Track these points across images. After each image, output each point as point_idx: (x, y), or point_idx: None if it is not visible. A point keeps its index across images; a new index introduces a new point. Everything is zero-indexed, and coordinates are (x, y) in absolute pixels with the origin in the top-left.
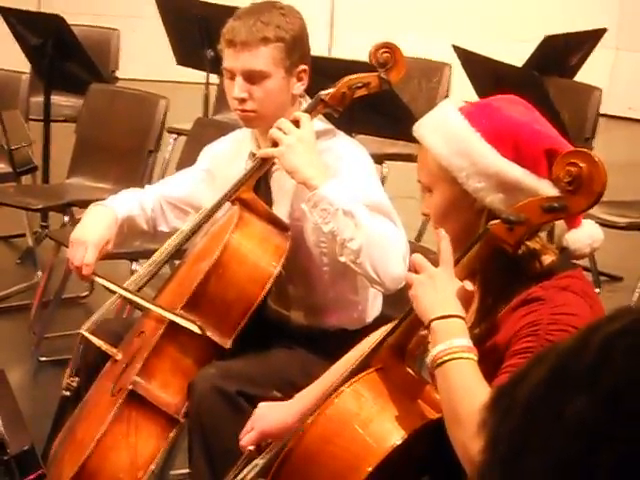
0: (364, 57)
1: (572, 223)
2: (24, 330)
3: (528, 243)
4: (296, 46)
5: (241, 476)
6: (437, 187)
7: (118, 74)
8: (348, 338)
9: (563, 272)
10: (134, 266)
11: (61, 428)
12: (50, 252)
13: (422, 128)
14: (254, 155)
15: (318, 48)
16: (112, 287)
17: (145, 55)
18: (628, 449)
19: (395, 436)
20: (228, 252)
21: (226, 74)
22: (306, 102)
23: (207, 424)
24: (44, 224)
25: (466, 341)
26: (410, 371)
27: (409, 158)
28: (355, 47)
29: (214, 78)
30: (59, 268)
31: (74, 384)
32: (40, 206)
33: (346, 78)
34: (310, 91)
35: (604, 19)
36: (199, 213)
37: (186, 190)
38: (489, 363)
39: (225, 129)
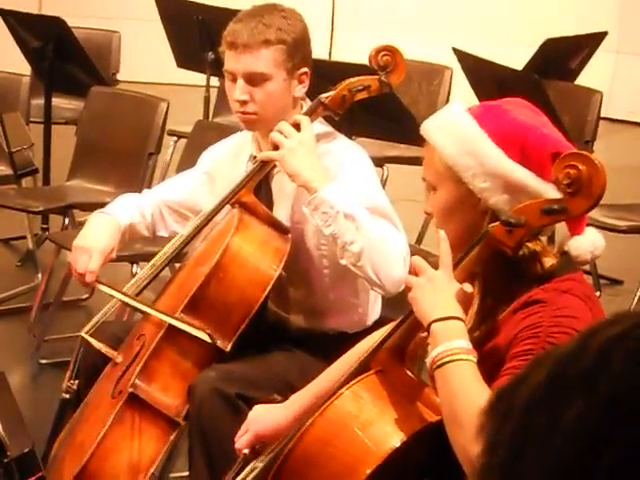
0: (365, 60)
1: (575, 230)
2: (24, 332)
3: (529, 245)
4: (297, 48)
5: (239, 479)
6: (442, 186)
7: (119, 77)
8: (348, 341)
9: (564, 275)
10: (135, 269)
11: (61, 431)
12: (50, 255)
13: (430, 127)
14: (254, 158)
15: (319, 51)
16: (115, 294)
17: (146, 58)
18: (627, 453)
19: (394, 439)
20: (228, 255)
21: (227, 76)
22: (307, 105)
23: (207, 427)
24: (44, 226)
25: (466, 343)
26: (410, 373)
27: (409, 161)
28: (356, 50)
29: (215, 81)
30: (59, 271)
31: (74, 387)
32: (41, 208)
33: (346, 81)
34: (310, 94)
35: (605, 22)
36: (199, 216)
37: (186, 193)
38: (489, 365)
39: (225, 132)
